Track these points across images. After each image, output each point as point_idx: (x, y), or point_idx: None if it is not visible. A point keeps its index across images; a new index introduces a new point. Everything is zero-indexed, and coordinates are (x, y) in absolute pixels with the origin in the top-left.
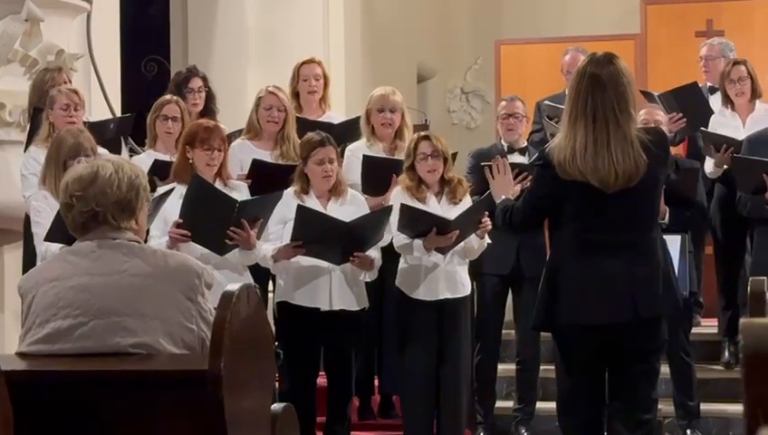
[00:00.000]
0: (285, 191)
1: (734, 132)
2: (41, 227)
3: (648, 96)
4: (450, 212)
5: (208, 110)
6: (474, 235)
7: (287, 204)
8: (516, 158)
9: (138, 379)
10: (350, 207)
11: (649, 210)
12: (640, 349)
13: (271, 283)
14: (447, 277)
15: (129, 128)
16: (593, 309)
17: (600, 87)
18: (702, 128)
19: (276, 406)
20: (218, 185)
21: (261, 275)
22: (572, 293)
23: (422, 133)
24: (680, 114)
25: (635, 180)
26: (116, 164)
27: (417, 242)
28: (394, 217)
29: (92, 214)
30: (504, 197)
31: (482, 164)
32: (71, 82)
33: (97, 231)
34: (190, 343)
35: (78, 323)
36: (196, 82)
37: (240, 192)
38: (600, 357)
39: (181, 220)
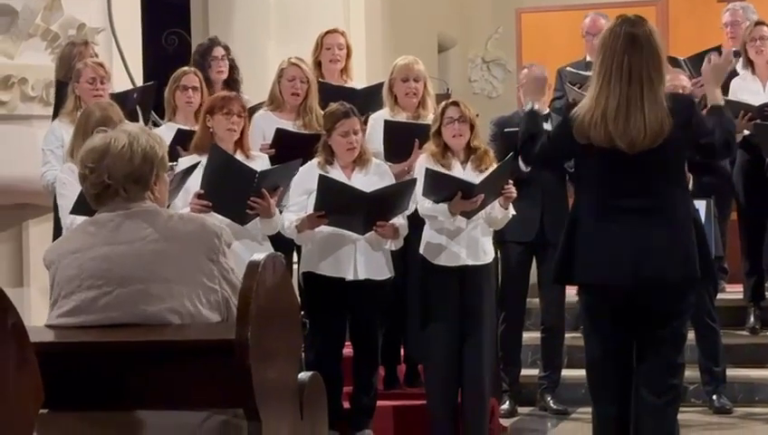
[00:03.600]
0: (310, 162)
1: (754, 96)
2: (66, 199)
3: (673, 61)
4: (475, 180)
5: (232, 79)
6: (498, 204)
7: (312, 175)
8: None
9: (165, 349)
10: (374, 177)
11: (670, 175)
12: (663, 312)
13: (295, 253)
14: (469, 244)
15: (152, 97)
16: (609, 272)
17: (636, 47)
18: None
19: (303, 375)
20: (239, 157)
21: (284, 245)
22: (585, 253)
23: (451, 99)
24: None
25: (658, 141)
26: (132, 135)
27: (443, 207)
28: (419, 184)
29: (104, 186)
30: (532, 103)
31: (505, 130)
32: (97, 55)
33: (111, 203)
34: (215, 303)
35: (102, 293)
36: (218, 51)
37: (261, 164)
38: (623, 320)
39: (202, 191)
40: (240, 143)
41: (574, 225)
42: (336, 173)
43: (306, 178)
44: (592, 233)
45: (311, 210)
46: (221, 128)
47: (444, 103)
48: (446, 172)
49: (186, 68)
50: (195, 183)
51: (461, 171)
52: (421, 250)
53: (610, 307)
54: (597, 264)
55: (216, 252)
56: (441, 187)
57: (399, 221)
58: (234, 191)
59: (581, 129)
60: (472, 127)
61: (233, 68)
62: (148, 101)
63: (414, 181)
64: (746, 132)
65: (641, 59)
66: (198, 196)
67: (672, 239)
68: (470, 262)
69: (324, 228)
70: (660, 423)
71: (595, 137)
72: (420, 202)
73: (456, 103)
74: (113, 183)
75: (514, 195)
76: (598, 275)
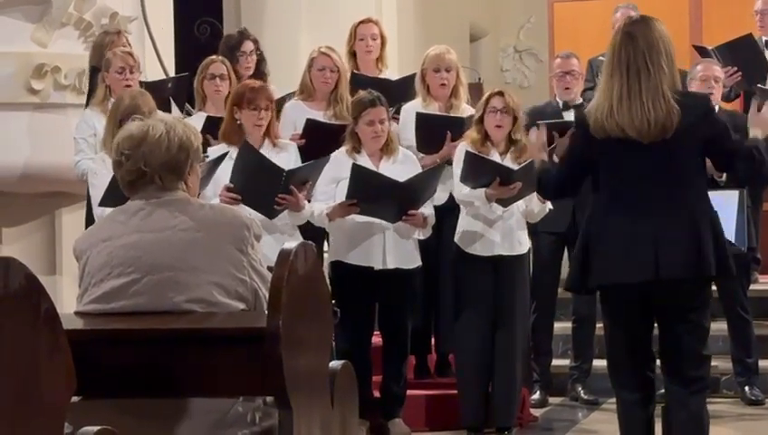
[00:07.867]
0: (338, 151)
1: None
2: (97, 190)
3: (702, 51)
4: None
5: (259, 72)
6: (536, 197)
7: (340, 163)
8: (572, 115)
9: (197, 337)
10: (402, 165)
11: (685, 169)
12: (681, 307)
13: (326, 243)
14: (504, 234)
15: (186, 88)
16: (621, 268)
17: (631, 40)
18: (759, 85)
19: (335, 363)
20: (267, 145)
21: (315, 234)
22: (602, 253)
23: (497, 89)
24: (735, 68)
25: (670, 131)
26: (168, 124)
27: (480, 192)
28: (456, 171)
29: (140, 173)
30: (540, 160)
31: (537, 123)
32: (130, 45)
33: (144, 191)
34: (243, 293)
35: (131, 280)
36: (248, 45)
37: (289, 152)
38: (642, 314)
39: (232, 185)
40: (267, 132)
41: (587, 230)
42: (364, 161)
43: (335, 166)
44: (603, 235)
45: (339, 198)
46: (249, 123)
47: (490, 92)
48: (486, 157)
49: (213, 57)
50: (224, 173)
51: (499, 162)
52: (456, 239)
53: (627, 304)
54: (612, 264)
55: (246, 243)
56: (479, 171)
57: (428, 211)
58: (262, 188)
59: (597, 122)
60: (515, 119)
61: (260, 61)
62: (182, 92)
63: (442, 167)
64: None
65: (637, 50)
66: (228, 189)
67: (686, 236)
68: (504, 252)
69: (353, 217)
70: (688, 413)
71: (610, 128)
72: (458, 188)
73: (501, 93)
74: (149, 170)
75: None
76: (613, 276)
